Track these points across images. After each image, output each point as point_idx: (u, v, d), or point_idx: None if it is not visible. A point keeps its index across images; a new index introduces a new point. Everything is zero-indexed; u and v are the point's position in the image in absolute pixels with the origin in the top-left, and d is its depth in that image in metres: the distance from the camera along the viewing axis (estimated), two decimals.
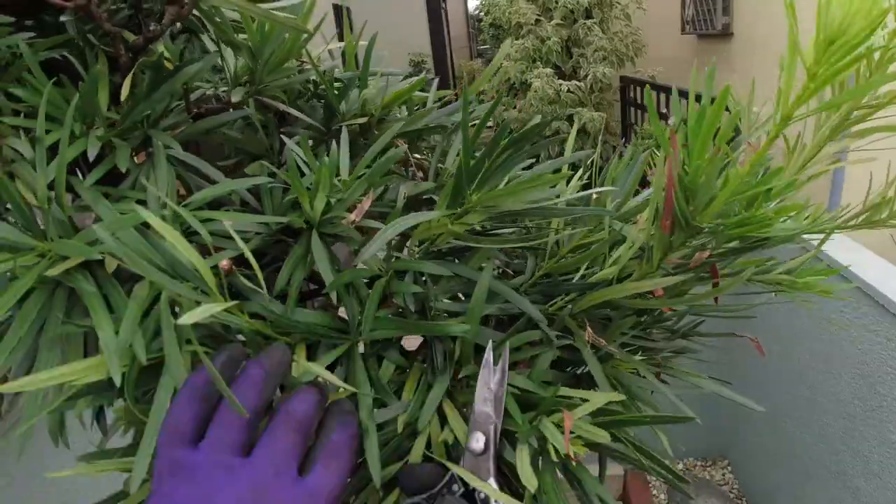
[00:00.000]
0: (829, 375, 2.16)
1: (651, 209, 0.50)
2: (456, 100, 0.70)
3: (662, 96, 4.50)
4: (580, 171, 0.63)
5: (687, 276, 0.53)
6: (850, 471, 2.09)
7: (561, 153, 0.64)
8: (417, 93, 0.68)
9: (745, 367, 2.83)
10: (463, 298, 0.55)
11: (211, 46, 0.64)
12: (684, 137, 0.50)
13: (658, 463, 0.53)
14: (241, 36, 0.57)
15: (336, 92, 0.59)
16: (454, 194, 0.48)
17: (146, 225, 0.47)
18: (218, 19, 0.52)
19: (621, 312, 0.58)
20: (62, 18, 0.52)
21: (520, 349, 0.53)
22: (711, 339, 0.69)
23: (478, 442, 0.45)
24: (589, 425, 0.48)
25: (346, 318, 0.48)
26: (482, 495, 0.44)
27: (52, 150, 0.46)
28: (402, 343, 0.52)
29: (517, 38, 4.63)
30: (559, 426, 0.48)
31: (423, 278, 0.51)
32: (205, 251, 0.48)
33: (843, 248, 2.09)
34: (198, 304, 0.38)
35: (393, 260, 0.51)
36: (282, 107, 0.56)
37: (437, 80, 0.76)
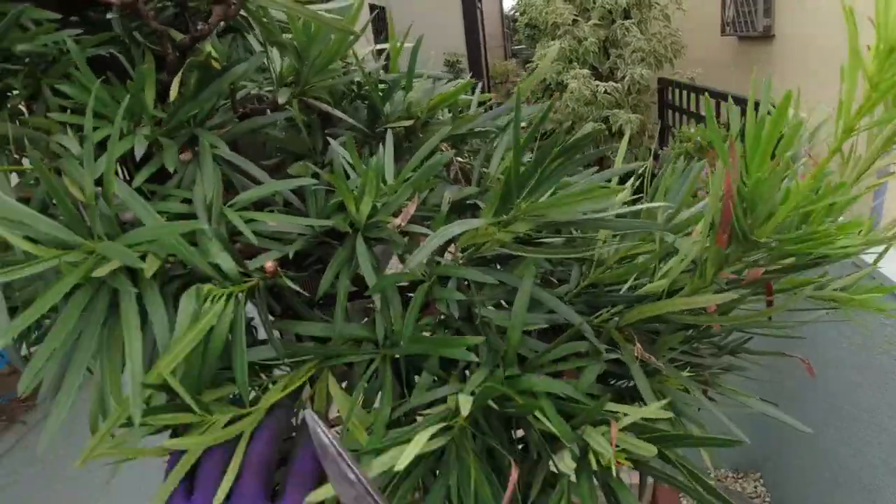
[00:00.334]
0: (870, 391, 2.08)
1: (706, 222, 0.48)
2: (498, 104, 0.69)
3: (701, 99, 4.41)
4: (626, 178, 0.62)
5: (741, 293, 0.51)
6: (888, 488, 2.02)
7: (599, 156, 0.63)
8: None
9: (782, 380, 2.76)
10: (506, 306, 0.54)
11: (251, 45, 0.64)
12: (741, 148, 0.48)
13: (701, 484, 0.51)
14: (286, 35, 0.56)
15: (380, 94, 0.59)
16: (502, 202, 0.47)
17: (178, 216, 0.48)
18: (265, 19, 0.52)
19: (669, 327, 0.56)
20: (108, 16, 0.52)
21: (566, 359, 0.52)
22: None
23: None
24: (634, 439, 0.46)
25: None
26: None
27: (99, 148, 0.47)
28: None
29: (553, 39, 4.59)
30: (604, 436, 0.46)
31: (467, 284, 0.50)
32: (248, 252, 0.47)
33: (890, 261, 2.01)
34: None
35: (435, 265, 0.50)
36: (326, 108, 0.56)
37: (480, 84, 0.74)
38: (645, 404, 0.51)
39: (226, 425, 0.40)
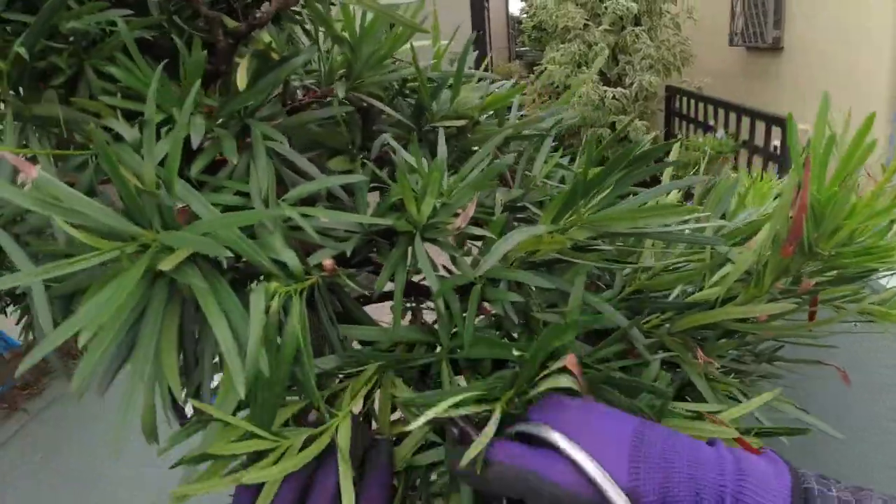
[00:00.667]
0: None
1: (769, 233, 0.47)
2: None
3: (710, 109, 4.41)
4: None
5: (797, 303, 0.50)
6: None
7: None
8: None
9: (814, 387, 2.76)
10: (548, 309, 0.54)
11: (295, 36, 0.63)
12: (802, 163, 0.48)
13: None
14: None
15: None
16: (563, 208, 0.46)
17: (229, 207, 0.46)
18: (322, 11, 0.51)
19: (717, 333, 0.55)
20: None
21: (608, 361, 0.51)
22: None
23: None
24: None
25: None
26: None
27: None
28: None
29: (563, 42, 4.58)
30: None
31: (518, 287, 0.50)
32: (302, 248, 0.46)
33: None
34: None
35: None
36: (377, 103, 0.55)
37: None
38: None
39: (301, 448, 0.38)
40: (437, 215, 0.45)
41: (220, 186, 0.48)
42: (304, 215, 0.46)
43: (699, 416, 0.45)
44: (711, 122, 4.36)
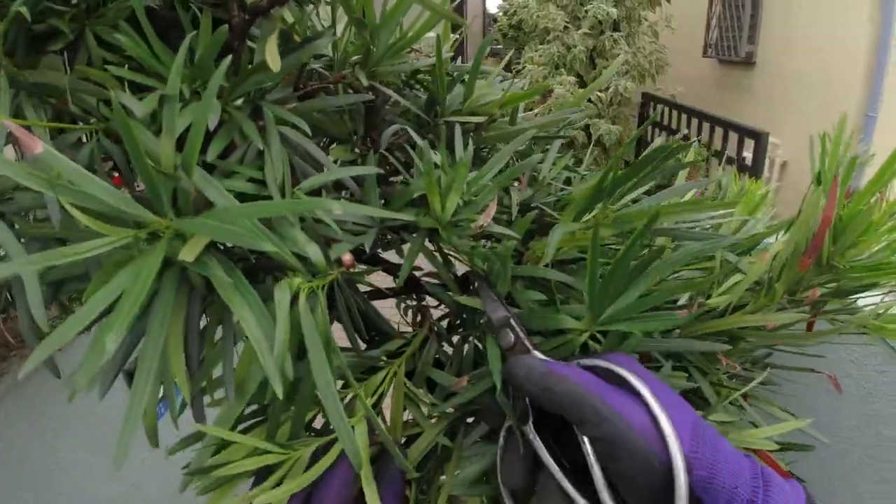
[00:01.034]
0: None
1: (789, 244, 0.47)
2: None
3: (684, 116, 4.48)
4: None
5: (807, 312, 0.51)
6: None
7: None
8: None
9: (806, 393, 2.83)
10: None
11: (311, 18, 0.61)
12: (818, 179, 0.48)
13: None
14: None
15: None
16: (585, 207, 0.46)
17: (242, 196, 0.44)
18: None
19: (723, 341, 0.56)
20: None
21: None
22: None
23: None
24: None
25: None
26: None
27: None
28: None
29: (542, 43, 4.60)
30: None
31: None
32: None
33: None
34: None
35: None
36: (391, 93, 0.53)
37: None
38: None
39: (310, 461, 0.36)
40: (460, 213, 0.44)
41: (231, 172, 0.45)
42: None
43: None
44: (686, 131, 4.44)
